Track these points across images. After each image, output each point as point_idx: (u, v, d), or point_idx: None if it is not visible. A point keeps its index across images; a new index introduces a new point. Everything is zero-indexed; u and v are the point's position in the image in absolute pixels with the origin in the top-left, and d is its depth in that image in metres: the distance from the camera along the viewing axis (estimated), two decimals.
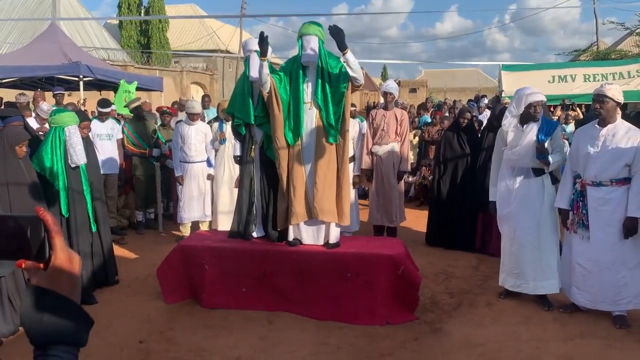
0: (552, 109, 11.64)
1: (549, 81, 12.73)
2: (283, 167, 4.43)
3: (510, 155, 4.53)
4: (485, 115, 9.54)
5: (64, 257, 0.87)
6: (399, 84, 40.48)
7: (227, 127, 6.45)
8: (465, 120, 6.56)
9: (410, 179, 9.05)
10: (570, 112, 10.62)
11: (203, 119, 7.38)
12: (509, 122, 4.56)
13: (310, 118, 4.41)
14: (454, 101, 12.43)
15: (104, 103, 7.03)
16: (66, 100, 9.02)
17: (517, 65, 14.71)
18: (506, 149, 4.57)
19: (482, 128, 6.69)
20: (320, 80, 4.33)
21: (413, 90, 42.76)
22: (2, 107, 7.72)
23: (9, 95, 8.98)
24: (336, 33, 4.14)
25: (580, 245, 4.28)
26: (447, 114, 10.78)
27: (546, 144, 4.42)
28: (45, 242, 0.85)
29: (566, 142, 7.21)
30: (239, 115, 4.66)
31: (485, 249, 6.13)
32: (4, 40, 24.68)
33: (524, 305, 4.57)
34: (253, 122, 4.61)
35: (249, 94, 4.60)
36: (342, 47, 4.19)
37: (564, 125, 9.37)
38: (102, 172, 5.86)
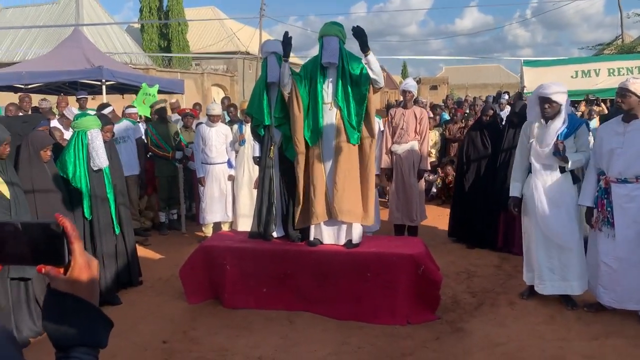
0: (576, 104, 11.47)
1: (572, 76, 12.51)
2: (301, 167, 4.45)
3: (537, 152, 4.46)
4: (506, 112, 9.42)
5: (83, 261, 0.89)
6: (419, 81, 40.29)
7: (247, 129, 6.49)
8: (488, 118, 6.51)
9: (431, 177, 9.00)
10: (595, 108, 10.43)
11: (224, 121, 7.44)
12: (532, 116, 4.47)
13: (331, 118, 4.42)
14: (474, 98, 12.31)
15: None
16: (89, 104, 9.18)
17: (539, 61, 14.48)
18: (533, 144, 4.48)
19: (502, 124, 6.60)
20: (341, 81, 4.33)
21: (434, 88, 42.38)
22: (30, 112, 7.88)
23: (34, 100, 9.17)
24: (359, 34, 4.15)
25: (605, 244, 4.21)
26: (467, 111, 10.70)
27: (571, 142, 4.33)
28: (64, 247, 0.88)
29: (591, 137, 7.08)
30: (256, 116, 4.70)
31: (508, 248, 6.06)
32: (29, 47, 25.23)
33: (548, 305, 4.51)
34: (268, 123, 4.64)
35: (265, 96, 4.63)
36: (365, 49, 4.19)
37: (587, 120, 9.20)
38: None
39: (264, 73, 4.65)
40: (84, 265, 0.89)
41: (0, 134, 3.77)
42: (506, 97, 10.74)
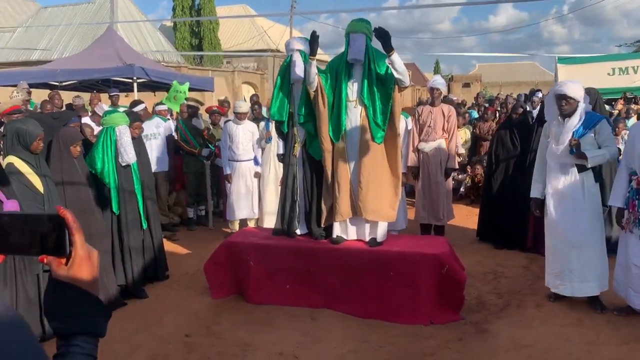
0: (613, 102, 11.15)
1: (608, 74, 12.18)
2: (328, 165, 4.45)
3: (553, 150, 4.37)
4: (537, 111, 9.21)
5: (84, 253, 0.92)
6: (451, 78, 39.74)
7: (273, 126, 6.52)
8: (518, 116, 6.38)
9: (460, 176, 8.88)
10: (633, 106, 10.12)
11: (250, 118, 7.49)
12: (550, 115, 4.39)
13: (355, 116, 4.40)
14: (506, 96, 12.10)
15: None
16: (122, 101, 9.35)
17: (574, 58, 14.13)
18: (550, 144, 4.41)
19: (533, 122, 6.46)
20: (367, 79, 4.30)
21: (467, 85, 41.78)
22: (63, 109, 8.07)
23: (68, 97, 9.40)
24: (382, 35, 4.11)
25: (636, 246, 4.08)
26: (499, 109, 10.52)
27: (591, 138, 4.22)
28: (65, 238, 0.90)
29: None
30: (271, 113, 4.71)
31: (537, 249, 5.93)
32: (66, 45, 25.88)
33: (576, 308, 4.40)
34: (284, 120, 4.64)
35: (287, 93, 4.63)
36: (388, 50, 4.16)
37: (621, 118, 8.94)
38: None
39: (282, 70, 4.64)
40: (84, 257, 0.91)
41: (33, 129, 3.88)
42: (539, 95, 10.48)
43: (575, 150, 4.16)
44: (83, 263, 0.91)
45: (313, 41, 4.32)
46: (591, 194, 4.31)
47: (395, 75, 4.21)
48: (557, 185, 4.37)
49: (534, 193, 4.61)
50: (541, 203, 4.56)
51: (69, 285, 0.90)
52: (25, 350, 0.77)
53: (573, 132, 4.21)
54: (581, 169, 4.29)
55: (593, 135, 4.25)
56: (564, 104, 4.20)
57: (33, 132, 3.85)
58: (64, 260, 0.91)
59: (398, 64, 4.18)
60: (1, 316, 0.76)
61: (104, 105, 7.58)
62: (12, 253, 0.92)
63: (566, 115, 4.24)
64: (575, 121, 4.23)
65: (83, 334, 0.91)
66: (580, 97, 4.20)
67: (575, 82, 4.29)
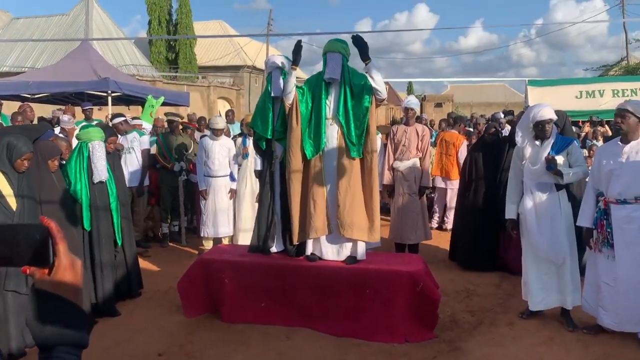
0: (580, 123, 11.49)
1: (576, 96, 12.55)
2: (293, 183, 4.44)
3: (530, 171, 4.48)
4: (506, 131, 9.41)
5: (67, 262, 0.91)
6: (424, 98, 40.26)
7: (250, 142, 6.51)
8: (490, 135, 6.51)
9: (433, 195, 8.97)
10: (599, 128, 10.43)
11: (228, 134, 7.47)
12: (523, 139, 4.54)
13: (332, 134, 4.43)
14: (471, 115, 12.31)
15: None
16: (96, 114, 9.25)
17: (543, 81, 14.52)
18: (526, 165, 4.53)
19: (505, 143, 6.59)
20: (342, 98, 4.35)
21: (439, 105, 42.42)
22: (36, 121, 7.93)
23: (40, 110, 9.25)
24: (359, 43, 4.20)
25: (605, 265, 4.19)
26: (471, 129, 10.69)
27: (561, 159, 4.36)
28: (49, 248, 0.89)
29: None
30: (257, 130, 4.71)
31: (507, 267, 6.02)
32: (39, 57, 25.48)
33: (547, 326, 4.48)
34: (270, 137, 4.64)
35: (270, 109, 4.64)
36: (365, 57, 4.24)
37: (593, 141, 9.21)
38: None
39: (268, 87, 4.67)
40: (68, 266, 0.91)
41: (24, 147, 3.80)
42: (501, 115, 10.74)
43: (553, 166, 4.28)
44: (66, 272, 0.90)
45: (297, 50, 4.36)
46: (566, 212, 4.45)
47: (373, 84, 4.28)
48: (535, 205, 4.48)
49: (509, 214, 4.71)
50: (517, 223, 4.67)
51: (52, 295, 0.89)
52: None
53: (549, 152, 4.36)
54: (558, 187, 4.42)
55: (565, 155, 4.41)
56: (548, 128, 4.39)
57: (22, 150, 3.79)
58: (47, 270, 0.90)
59: (375, 73, 4.26)
60: None
61: (66, 116, 7.47)
62: None
63: (546, 137, 4.39)
64: (551, 141, 4.42)
65: (66, 344, 0.89)
66: (554, 119, 4.43)
67: (546, 105, 4.53)
